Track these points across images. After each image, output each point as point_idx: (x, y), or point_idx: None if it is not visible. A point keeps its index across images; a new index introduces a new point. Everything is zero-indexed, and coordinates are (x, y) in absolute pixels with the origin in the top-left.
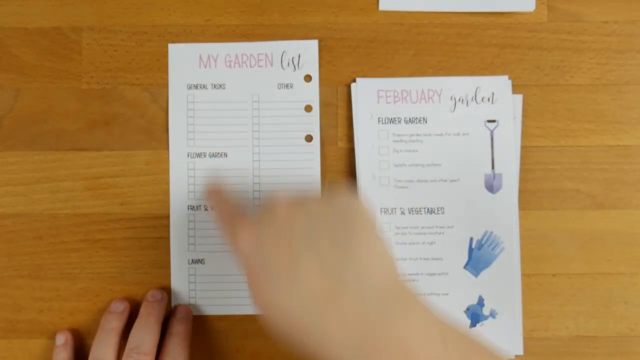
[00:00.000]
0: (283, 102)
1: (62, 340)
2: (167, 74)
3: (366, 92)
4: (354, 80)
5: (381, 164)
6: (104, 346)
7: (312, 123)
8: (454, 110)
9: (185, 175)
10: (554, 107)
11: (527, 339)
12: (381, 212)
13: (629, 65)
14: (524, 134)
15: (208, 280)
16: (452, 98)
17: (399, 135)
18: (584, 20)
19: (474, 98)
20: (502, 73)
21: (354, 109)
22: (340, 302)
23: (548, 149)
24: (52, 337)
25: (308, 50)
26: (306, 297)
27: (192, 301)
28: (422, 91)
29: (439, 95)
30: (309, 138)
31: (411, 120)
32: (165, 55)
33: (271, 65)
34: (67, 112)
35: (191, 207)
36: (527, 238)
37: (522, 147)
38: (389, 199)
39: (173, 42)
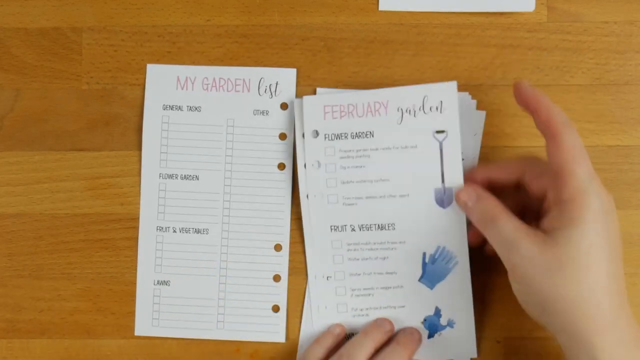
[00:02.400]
0: (258, 128)
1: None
2: None
3: (312, 109)
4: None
5: (329, 182)
6: (360, 347)
7: (286, 151)
8: (401, 122)
9: (155, 195)
10: None
11: (528, 339)
12: (331, 229)
13: (629, 66)
14: (524, 134)
15: (172, 302)
16: (399, 109)
17: (345, 152)
18: (583, 20)
19: (421, 108)
20: (502, 73)
21: (297, 127)
22: (622, 301)
23: None
24: (52, 336)
25: (286, 78)
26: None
27: (155, 322)
28: (368, 104)
29: (386, 107)
30: (281, 166)
31: (358, 135)
32: (165, 55)
33: (248, 91)
34: (67, 112)
35: (160, 228)
36: None
37: (523, 147)
38: (339, 217)
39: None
